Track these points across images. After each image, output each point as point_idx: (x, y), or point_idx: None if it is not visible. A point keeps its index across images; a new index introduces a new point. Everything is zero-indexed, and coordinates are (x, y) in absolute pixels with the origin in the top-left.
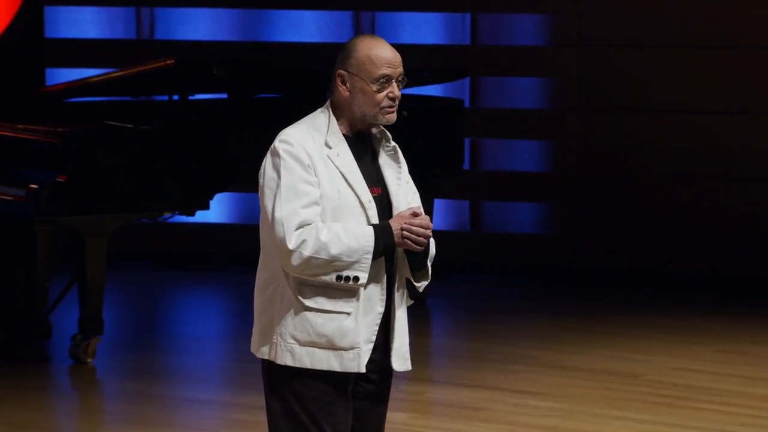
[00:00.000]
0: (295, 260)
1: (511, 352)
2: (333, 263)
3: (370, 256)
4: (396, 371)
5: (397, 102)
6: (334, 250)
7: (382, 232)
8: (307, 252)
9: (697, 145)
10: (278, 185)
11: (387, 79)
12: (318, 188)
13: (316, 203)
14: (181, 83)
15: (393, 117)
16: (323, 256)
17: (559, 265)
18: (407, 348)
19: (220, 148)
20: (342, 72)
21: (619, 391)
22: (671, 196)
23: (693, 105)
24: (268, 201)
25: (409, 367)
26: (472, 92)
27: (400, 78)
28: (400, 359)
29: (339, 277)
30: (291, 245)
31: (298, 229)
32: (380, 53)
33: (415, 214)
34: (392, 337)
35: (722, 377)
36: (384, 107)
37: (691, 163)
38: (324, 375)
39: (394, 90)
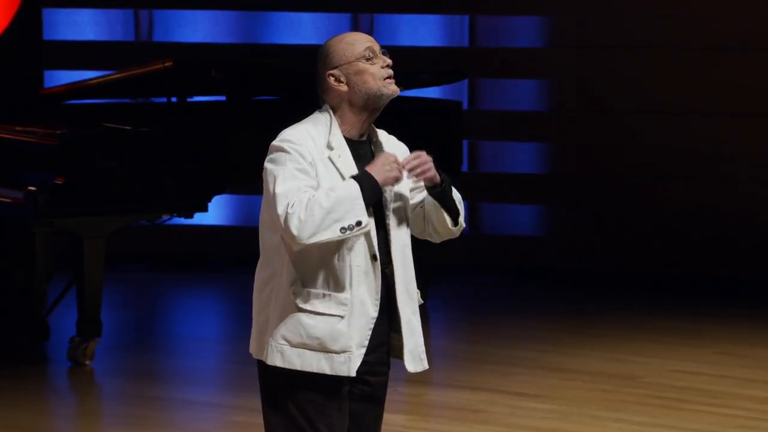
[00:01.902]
0: (293, 225)
1: (510, 354)
2: (329, 215)
3: (360, 200)
4: (400, 371)
5: (391, 72)
6: (326, 203)
7: (362, 176)
8: (302, 213)
9: (696, 147)
10: (281, 170)
11: (372, 52)
12: (317, 186)
13: (314, 188)
14: (179, 85)
15: (396, 88)
16: (317, 211)
17: (558, 266)
18: (422, 348)
19: (218, 150)
20: (331, 72)
21: (617, 393)
22: (670, 197)
23: (691, 106)
24: (270, 185)
25: (426, 367)
26: (471, 94)
27: (382, 51)
28: (416, 360)
29: (343, 229)
30: (288, 210)
31: (295, 197)
32: (353, 36)
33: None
34: (404, 340)
35: (721, 379)
36: (384, 78)
37: (690, 164)
38: (319, 377)
39: (385, 59)
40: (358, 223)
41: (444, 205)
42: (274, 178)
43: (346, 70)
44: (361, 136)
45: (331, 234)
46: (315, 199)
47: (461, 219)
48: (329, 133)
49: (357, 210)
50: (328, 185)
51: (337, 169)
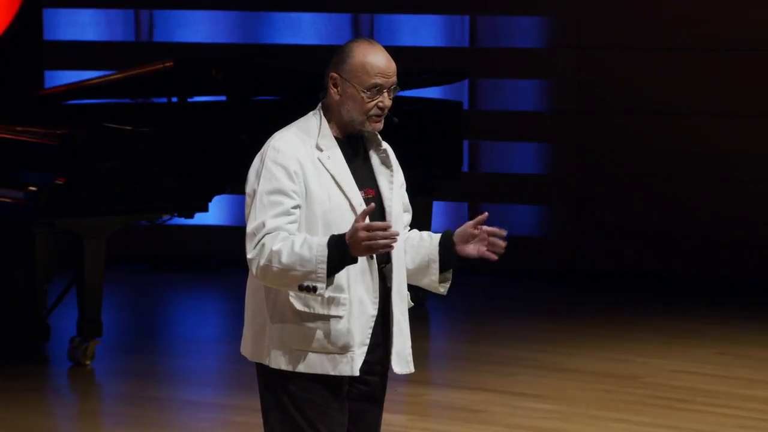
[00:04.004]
0: (254, 269)
1: (510, 354)
2: (289, 273)
3: (324, 266)
4: (396, 374)
5: (385, 111)
6: (285, 259)
7: (336, 242)
8: (262, 260)
9: (697, 148)
10: (255, 193)
11: (378, 89)
12: (298, 198)
13: (287, 213)
14: (179, 85)
15: (379, 126)
16: (275, 264)
17: (558, 267)
18: (409, 351)
19: (218, 151)
20: (335, 75)
21: (618, 394)
22: (670, 198)
23: (691, 107)
24: (246, 211)
25: (412, 370)
26: (471, 94)
27: (392, 87)
28: (402, 362)
29: (300, 287)
30: (249, 254)
31: (261, 239)
32: (375, 62)
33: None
34: (392, 340)
35: (721, 379)
36: (372, 115)
37: (690, 165)
38: (318, 377)
39: (385, 100)
40: (314, 289)
41: (444, 261)
42: (248, 207)
43: (345, 86)
44: (352, 136)
45: (290, 288)
46: (277, 251)
47: (445, 285)
48: (318, 135)
49: (319, 275)
50: (302, 238)
51: (327, 171)
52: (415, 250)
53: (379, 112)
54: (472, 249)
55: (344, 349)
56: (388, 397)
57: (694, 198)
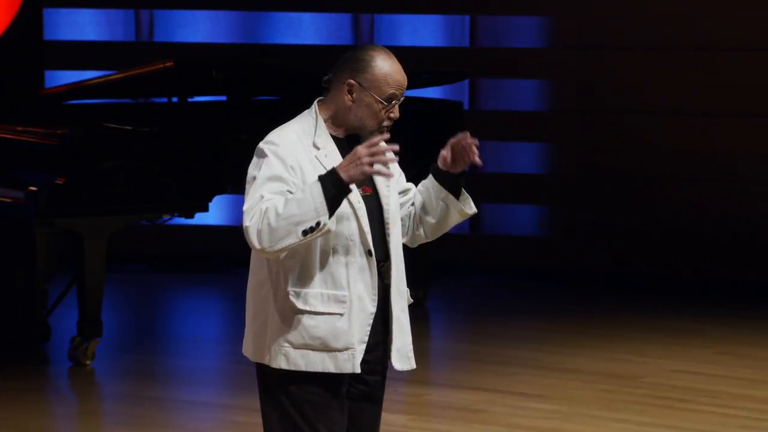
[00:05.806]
0: (253, 237)
1: (510, 354)
2: (289, 220)
3: (322, 198)
4: (398, 371)
5: (389, 125)
6: (282, 210)
7: (327, 175)
8: (259, 223)
9: (696, 147)
10: (254, 180)
11: (393, 101)
12: (295, 188)
13: (284, 194)
14: (180, 85)
15: (385, 137)
16: (272, 220)
17: (558, 267)
18: (410, 347)
19: (219, 151)
20: (352, 82)
21: (618, 394)
22: (670, 198)
23: (691, 107)
24: (245, 196)
25: (413, 366)
26: (472, 94)
27: (401, 101)
28: (403, 358)
29: (304, 232)
30: (246, 223)
31: (258, 207)
32: (393, 74)
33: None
34: (391, 337)
35: (722, 379)
36: (381, 125)
37: (690, 165)
38: (318, 377)
39: (396, 111)
40: (318, 224)
41: (453, 190)
42: (248, 188)
43: (361, 93)
44: (350, 135)
45: (294, 239)
46: (272, 206)
47: (469, 205)
48: (314, 134)
49: (319, 210)
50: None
51: (325, 168)
52: (426, 207)
53: (390, 123)
54: (458, 165)
55: (345, 347)
56: (388, 397)
57: (694, 198)
